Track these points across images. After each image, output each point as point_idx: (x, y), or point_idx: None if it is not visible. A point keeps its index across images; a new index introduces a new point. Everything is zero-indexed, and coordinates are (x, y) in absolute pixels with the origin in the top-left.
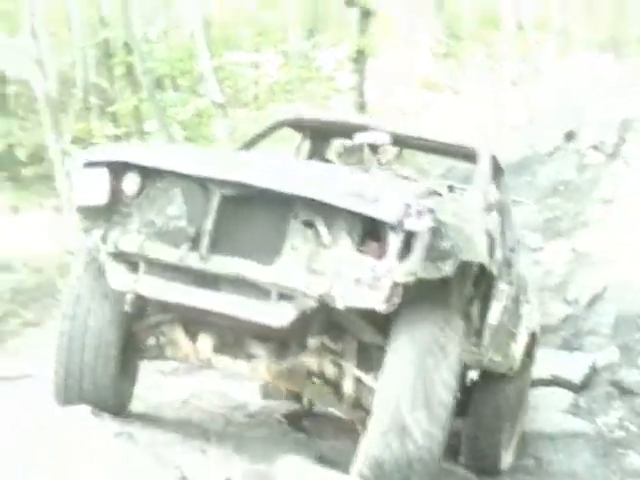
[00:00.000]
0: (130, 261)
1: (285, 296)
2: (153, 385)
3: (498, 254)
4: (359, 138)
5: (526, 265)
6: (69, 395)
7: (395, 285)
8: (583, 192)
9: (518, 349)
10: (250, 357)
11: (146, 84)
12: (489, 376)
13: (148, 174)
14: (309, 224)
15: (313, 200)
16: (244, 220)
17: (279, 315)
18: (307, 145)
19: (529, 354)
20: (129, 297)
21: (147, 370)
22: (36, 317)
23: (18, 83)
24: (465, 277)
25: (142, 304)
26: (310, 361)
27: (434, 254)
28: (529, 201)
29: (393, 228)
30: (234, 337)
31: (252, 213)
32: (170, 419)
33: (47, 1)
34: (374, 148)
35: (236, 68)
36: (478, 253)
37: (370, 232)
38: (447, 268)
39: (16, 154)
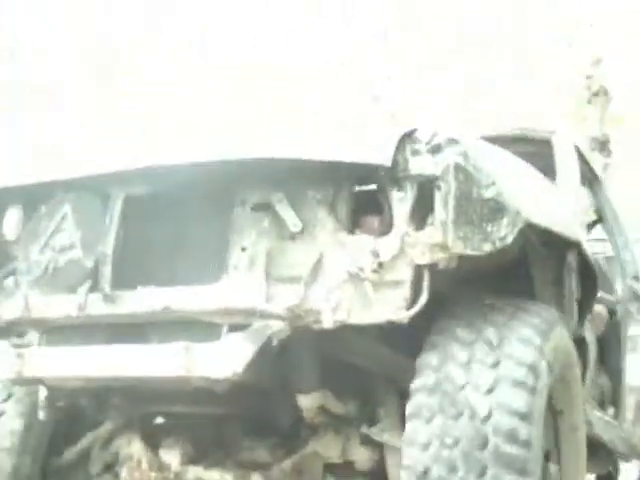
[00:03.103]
0: (19, 334)
1: (241, 327)
2: None
3: (618, 284)
4: None
5: None
6: None
7: (417, 270)
8: None
9: None
10: (241, 464)
11: None
12: None
13: (32, 200)
14: (264, 208)
15: (266, 166)
16: (165, 229)
17: (227, 358)
18: None
19: None
20: (42, 395)
21: None
22: None
23: None
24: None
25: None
26: (326, 446)
27: (472, 210)
28: None
29: (395, 178)
30: (216, 435)
31: (176, 215)
32: None
33: None
34: None
35: None
36: (565, 224)
37: (365, 205)
38: (501, 232)
39: None
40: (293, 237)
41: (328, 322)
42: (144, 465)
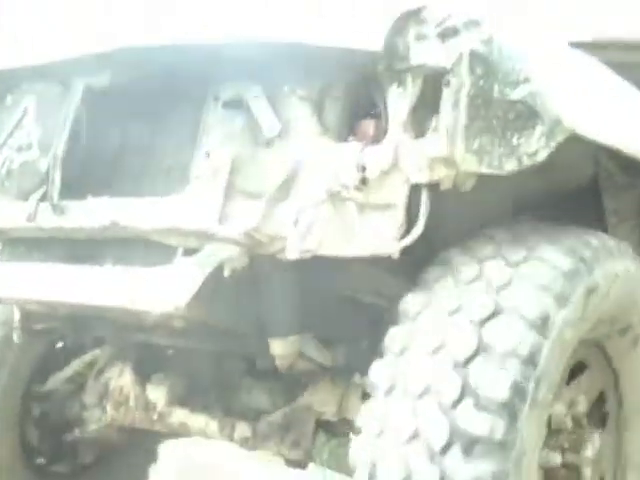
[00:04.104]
0: None
1: (193, 251)
2: None
3: None
4: None
5: None
6: None
7: (413, 190)
8: None
9: None
10: (228, 411)
11: None
12: None
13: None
14: (237, 105)
15: (243, 52)
16: (128, 128)
17: (168, 289)
18: None
19: None
20: (16, 317)
21: None
22: None
23: None
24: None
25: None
26: (321, 400)
27: (493, 115)
28: None
29: (393, 69)
30: (216, 371)
31: (140, 112)
32: None
33: None
34: None
35: None
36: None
37: (361, 107)
38: (532, 145)
39: None
40: (268, 142)
41: (293, 251)
42: (131, 402)
